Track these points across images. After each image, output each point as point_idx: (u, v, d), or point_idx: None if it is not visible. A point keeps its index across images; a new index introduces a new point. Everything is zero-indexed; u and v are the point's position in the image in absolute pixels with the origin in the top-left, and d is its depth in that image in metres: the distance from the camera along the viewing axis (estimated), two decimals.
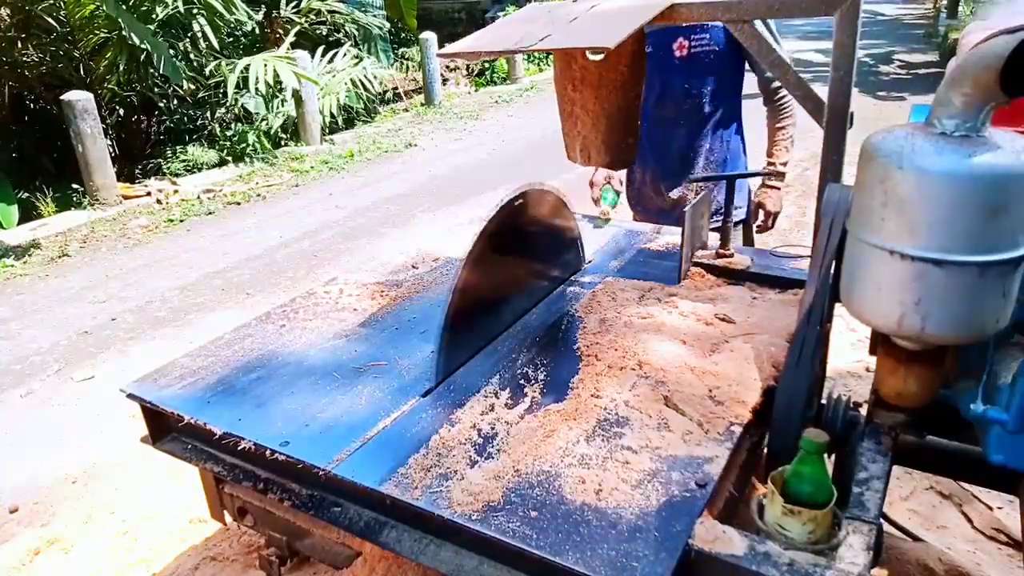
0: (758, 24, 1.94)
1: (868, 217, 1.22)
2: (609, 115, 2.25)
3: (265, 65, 7.50)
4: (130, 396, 1.62)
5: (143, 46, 6.70)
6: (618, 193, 2.73)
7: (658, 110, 2.63)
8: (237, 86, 7.54)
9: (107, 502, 2.71)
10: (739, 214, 2.65)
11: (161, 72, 7.01)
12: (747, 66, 2.59)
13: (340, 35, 9.99)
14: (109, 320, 4.39)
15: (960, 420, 1.36)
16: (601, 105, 2.23)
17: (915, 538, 2.19)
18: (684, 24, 2.33)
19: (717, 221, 2.60)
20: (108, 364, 3.86)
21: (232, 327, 1.91)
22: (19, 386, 3.68)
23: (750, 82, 2.63)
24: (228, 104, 8.17)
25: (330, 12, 9.55)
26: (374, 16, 10.39)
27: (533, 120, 9.31)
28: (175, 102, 8.33)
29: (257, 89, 7.53)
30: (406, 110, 10.56)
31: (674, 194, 2.71)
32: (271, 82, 7.54)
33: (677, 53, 2.51)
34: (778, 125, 2.62)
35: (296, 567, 2.04)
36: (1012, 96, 1.09)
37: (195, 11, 7.67)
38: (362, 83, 9.04)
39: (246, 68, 7.43)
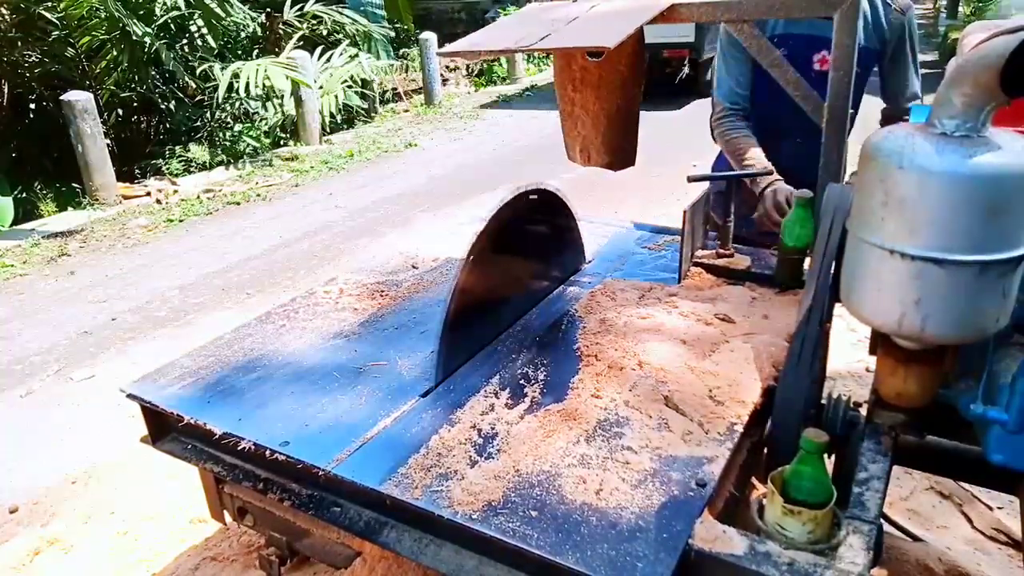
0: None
1: (868, 217, 1.22)
2: (609, 115, 2.26)
3: (257, 69, 7.49)
4: (130, 396, 1.62)
5: (144, 40, 6.71)
6: None
7: (773, 120, 2.39)
8: (234, 89, 7.54)
9: (107, 502, 2.71)
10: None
11: (170, 68, 7.01)
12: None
13: (340, 35, 10.00)
14: (109, 320, 4.38)
15: (960, 420, 1.36)
16: (601, 105, 2.24)
17: (915, 538, 2.20)
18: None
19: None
20: (108, 364, 3.86)
21: (232, 327, 1.91)
22: (19, 386, 3.68)
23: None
24: (227, 105, 8.17)
25: (333, 22, 9.55)
26: (376, 22, 10.40)
27: (533, 120, 9.32)
28: (174, 102, 8.33)
29: (248, 93, 7.53)
30: (406, 110, 10.56)
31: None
32: (263, 88, 7.55)
33: (816, 67, 2.25)
34: None
35: (296, 567, 2.04)
36: (1012, 96, 1.09)
37: (193, 13, 7.68)
38: (361, 80, 9.04)
39: (236, 73, 7.43)
